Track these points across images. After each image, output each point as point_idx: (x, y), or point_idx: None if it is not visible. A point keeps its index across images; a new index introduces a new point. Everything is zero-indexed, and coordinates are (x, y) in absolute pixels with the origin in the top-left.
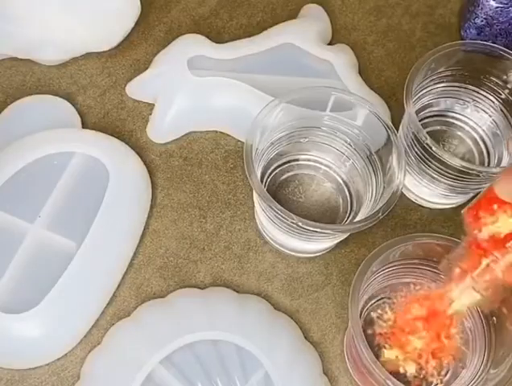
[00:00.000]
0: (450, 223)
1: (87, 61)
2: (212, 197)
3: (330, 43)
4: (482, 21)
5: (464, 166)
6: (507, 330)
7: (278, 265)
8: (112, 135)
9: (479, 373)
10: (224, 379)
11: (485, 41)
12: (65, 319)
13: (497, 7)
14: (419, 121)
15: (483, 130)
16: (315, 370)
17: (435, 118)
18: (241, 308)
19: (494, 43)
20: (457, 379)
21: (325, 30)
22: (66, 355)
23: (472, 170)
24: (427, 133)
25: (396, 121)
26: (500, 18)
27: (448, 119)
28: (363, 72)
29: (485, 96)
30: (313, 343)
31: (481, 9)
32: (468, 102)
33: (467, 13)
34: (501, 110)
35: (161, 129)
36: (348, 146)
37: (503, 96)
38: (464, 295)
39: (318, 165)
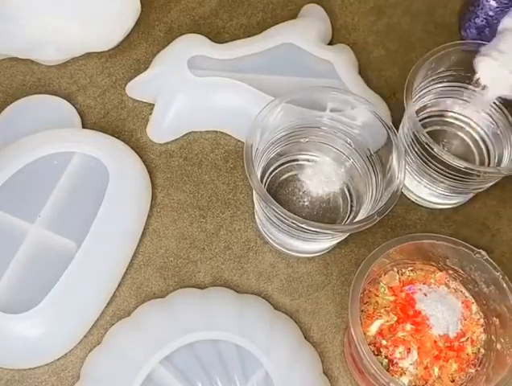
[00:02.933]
0: (450, 223)
1: (87, 61)
2: (212, 197)
3: (330, 43)
4: (482, 21)
5: (464, 166)
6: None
7: (278, 265)
8: (112, 135)
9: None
10: (224, 379)
11: (485, 41)
12: (65, 319)
13: (498, 7)
14: (419, 121)
15: (483, 130)
16: (315, 370)
17: (435, 118)
18: (241, 308)
19: None
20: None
21: (325, 30)
22: (66, 355)
23: (472, 170)
24: (427, 133)
25: (396, 121)
26: (500, 18)
27: (447, 119)
28: (363, 72)
29: None
30: (313, 343)
31: (481, 9)
32: (469, 102)
33: (467, 13)
34: (501, 110)
35: (161, 129)
36: (348, 146)
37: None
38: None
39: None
